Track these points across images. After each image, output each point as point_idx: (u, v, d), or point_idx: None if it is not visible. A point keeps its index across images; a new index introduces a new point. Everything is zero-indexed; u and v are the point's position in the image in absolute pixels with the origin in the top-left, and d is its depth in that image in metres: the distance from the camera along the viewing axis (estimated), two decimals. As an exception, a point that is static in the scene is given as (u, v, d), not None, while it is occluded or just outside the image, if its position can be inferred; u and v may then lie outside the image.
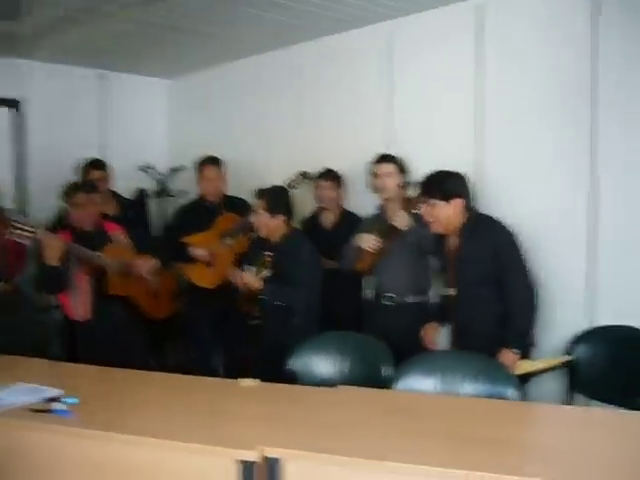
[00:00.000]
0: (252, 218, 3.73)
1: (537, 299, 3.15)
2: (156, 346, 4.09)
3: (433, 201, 3.16)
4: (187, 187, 5.49)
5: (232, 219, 4.34)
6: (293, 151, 4.75)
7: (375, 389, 2.74)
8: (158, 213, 5.51)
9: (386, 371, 2.95)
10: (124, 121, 5.49)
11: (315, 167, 4.42)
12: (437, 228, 3.23)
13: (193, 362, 4.48)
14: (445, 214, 3.17)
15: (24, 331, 3.50)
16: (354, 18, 4.12)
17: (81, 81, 5.29)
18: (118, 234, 3.78)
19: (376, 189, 3.79)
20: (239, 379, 2.77)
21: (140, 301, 3.79)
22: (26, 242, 3.38)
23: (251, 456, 2.03)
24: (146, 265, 3.80)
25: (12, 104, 4.95)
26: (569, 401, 3.33)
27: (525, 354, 3.15)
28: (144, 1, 3.71)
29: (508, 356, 3.07)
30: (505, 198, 3.64)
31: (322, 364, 3.13)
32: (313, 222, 4.37)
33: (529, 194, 3.65)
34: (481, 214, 3.32)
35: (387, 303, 3.76)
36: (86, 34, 4.30)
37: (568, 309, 3.48)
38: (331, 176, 4.27)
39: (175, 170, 5.57)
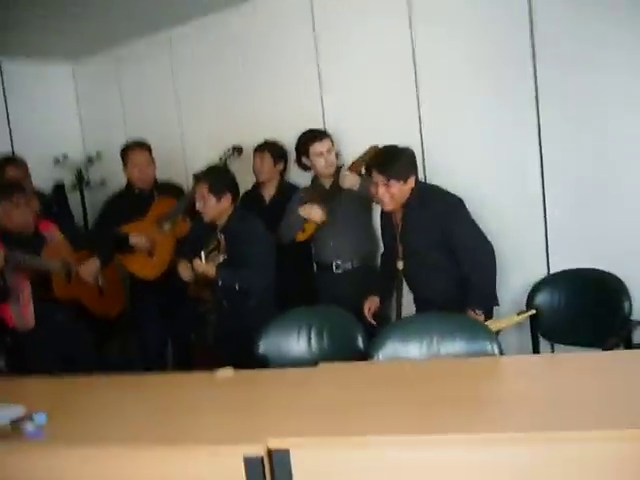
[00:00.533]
0: (197, 204, 3.50)
1: (494, 258, 3.17)
2: (105, 345, 3.87)
3: (391, 182, 3.10)
4: (106, 176, 5.26)
5: (167, 203, 4.13)
6: (224, 126, 4.51)
7: (357, 362, 2.68)
8: (78, 206, 5.20)
9: (361, 342, 2.89)
10: (31, 112, 5.08)
11: (251, 141, 4.25)
12: (388, 207, 3.19)
13: (143, 357, 4.28)
14: (401, 193, 3.15)
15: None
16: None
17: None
18: (53, 233, 3.49)
19: (320, 167, 3.74)
20: (215, 370, 2.62)
21: (87, 302, 3.53)
22: None
23: (258, 450, 1.91)
24: (88, 269, 3.55)
25: None
26: (535, 348, 3.39)
27: (489, 314, 3.16)
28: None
29: (472, 317, 3.06)
30: (449, 162, 3.62)
31: (293, 343, 3.04)
32: (252, 196, 4.19)
33: (475, 154, 3.61)
34: (424, 184, 3.35)
35: (336, 271, 3.73)
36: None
37: (526, 261, 3.49)
38: (268, 148, 4.08)
39: (91, 159, 5.27)
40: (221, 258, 3.33)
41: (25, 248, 3.22)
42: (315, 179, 3.87)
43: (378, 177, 3.11)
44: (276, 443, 1.93)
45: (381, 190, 3.11)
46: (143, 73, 4.97)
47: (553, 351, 3.42)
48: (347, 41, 3.96)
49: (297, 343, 3.03)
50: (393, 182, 3.09)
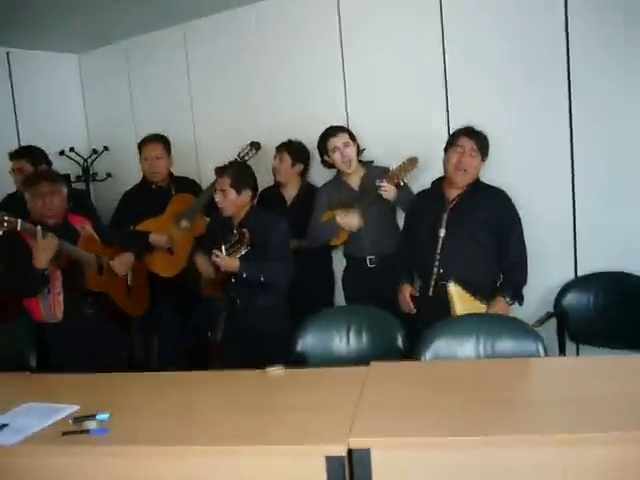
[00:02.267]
0: (216, 197, 3.46)
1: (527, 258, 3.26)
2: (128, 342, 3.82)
3: (478, 153, 3.20)
4: (113, 169, 5.19)
5: (186, 200, 4.08)
6: (240, 123, 4.46)
7: (408, 362, 2.70)
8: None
9: (401, 341, 2.91)
10: (36, 102, 4.97)
11: (268, 138, 4.23)
12: (463, 177, 3.23)
13: (160, 353, 4.24)
14: (477, 169, 3.25)
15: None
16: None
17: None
18: (85, 227, 3.42)
19: (338, 162, 3.75)
20: (267, 368, 2.60)
21: (117, 298, 3.47)
22: None
23: (340, 450, 1.91)
24: (123, 262, 3.48)
25: None
26: (562, 350, 3.44)
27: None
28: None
29: (502, 304, 3.18)
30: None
31: (331, 342, 3.03)
32: (273, 196, 4.15)
33: (505, 154, 3.63)
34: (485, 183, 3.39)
35: (371, 266, 3.76)
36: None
37: (553, 261, 3.55)
38: (287, 148, 4.04)
39: (97, 151, 5.18)
40: (243, 251, 3.27)
41: (60, 237, 3.14)
42: (338, 176, 3.86)
43: (469, 143, 3.19)
44: (357, 443, 1.94)
45: (467, 157, 3.18)
46: (155, 66, 4.89)
47: (578, 353, 3.48)
48: (373, 36, 3.97)
49: (336, 341, 3.03)
50: (479, 154, 3.21)
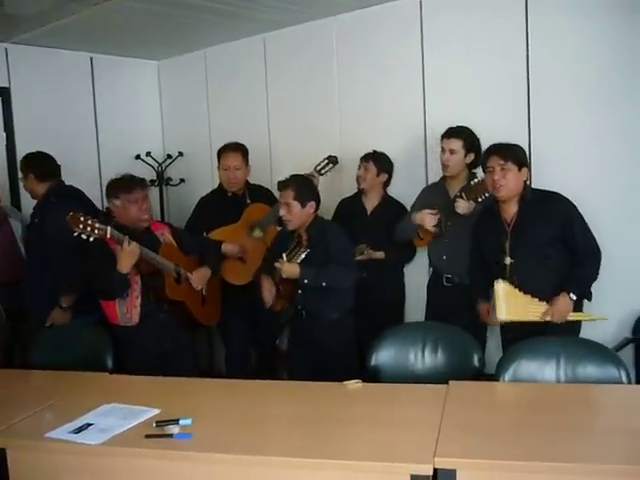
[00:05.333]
0: (281, 212, 3.45)
1: (599, 261, 3.14)
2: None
3: (508, 165, 3.11)
4: (185, 175, 5.28)
5: (261, 209, 4.11)
6: (314, 134, 4.50)
7: (487, 382, 2.66)
8: (157, 203, 5.22)
9: (477, 360, 2.87)
10: (115, 106, 5.10)
11: (344, 152, 4.26)
12: (502, 192, 3.15)
13: (230, 362, 4.28)
14: (515, 181, 3.14)
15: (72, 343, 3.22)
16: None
17: (71, 65, 4.87)
18: (164, 233, 3.49)
19: (441, 163, 3.71)
20: (344, 382, 2.60)
21: (192, 307, 3.51)
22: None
23: (426, 469, 1.90)
24: (200, 276, 3.53)
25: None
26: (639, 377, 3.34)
27: (579, 307, 3.17)
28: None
29: (565, 300, 3.08)
30: (557, 172, 3.55)
31: (407, 358, 3.00)
32: (354, 204, 4.15)
33: (581, 168, 3.58)
34: (538, 189, 3.29)
35: (447, 284, 3.73)
36: (78, 19, 3.95)
37: (633, 286, 3.45)
38: (374, 158, 4.01)
39: (171, 156, 5.28)
40: (303, 255, 3.27)
41: (142, 244, 3.20)
42: (441, 180, 3.82)
43: (495, 160, 3.11)
44: (443, 463, 1.92)
45: (497, 174, 3.10)
46: (233, 74, 4.95)
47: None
48: (455, 45, 3.93)
49: (411, 357, 3.00)
50: (510, 165, 3.10)
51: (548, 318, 3.06)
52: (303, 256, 3.29)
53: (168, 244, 3.44)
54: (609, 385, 2.54)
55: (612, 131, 3.51)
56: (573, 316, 3.12)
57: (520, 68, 3.72)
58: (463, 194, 3.48)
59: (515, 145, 3.20)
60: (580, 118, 3.58)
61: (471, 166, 3.67)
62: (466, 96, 3.88)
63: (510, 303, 3.11)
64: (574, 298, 3.09)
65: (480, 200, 3.41)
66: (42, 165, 3.88)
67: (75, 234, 2.97)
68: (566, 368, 2.65)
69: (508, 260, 3.20)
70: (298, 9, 4.17)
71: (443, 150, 3.67)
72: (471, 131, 3.65)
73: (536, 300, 3.12)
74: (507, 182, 3.12)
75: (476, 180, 3.45)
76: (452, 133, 3.65)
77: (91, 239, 3.01)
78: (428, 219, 3.60)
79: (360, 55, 4.32)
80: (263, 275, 3.52)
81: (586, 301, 3.20)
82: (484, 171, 3.24)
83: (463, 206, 3.49)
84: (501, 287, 3.13)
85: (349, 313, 3.50)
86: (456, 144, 3.62)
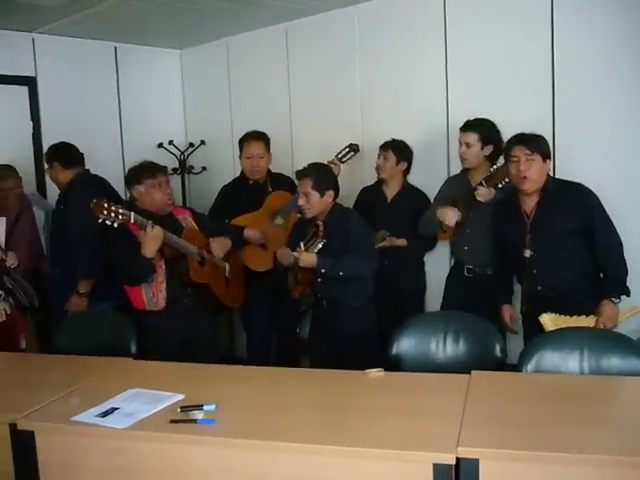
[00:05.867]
0: (300, 201, 3.46)
1: (623, 250, 3.13)
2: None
3: (534, 156, 3.09)
4: (207, 163, 5.31)
5: (283, 197, 4.14)
6: (335, 123, 4.51)
7: (510, 373, 2.65)
8: (179, 191, 5.26)
9: (499, 350, 2.87)
10: (139, 95, 5.15)
11: (365, 140, 4.26)
12: (527, 185, 3.14)
13: (252, 349, 4.31)
14: (539, 172, 3.13)
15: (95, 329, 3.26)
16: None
17: (95, 54, 4.92)
18: (186, 217, 3.52)
19: (460, 156, 3.71)
20: (366, 370, 2.61)
21: (216, 289, 3.55)
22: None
23: (449, 459, 1.90)
24: (220, 245, 3.55)
25: (27, 82, 4.56)
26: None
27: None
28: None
29: (610, 306, 3.07)
30: (580, 164, 3.52)
31: (429, 347, 3.00)
32: (374, 192, 4.16)
33: (602, 160, 3.55)
34: (555, 178, 3.30)
35: (468, 275, 3.71)
36: (102, 9, 3.97)
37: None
38: (393, 147, 4.01)
39: (193, 144, 5.31)
40: (320, 245, 3.27)
41: (165, 229, 3.23)
42: (463, 171, 3.81)
43: (521, 150, 3.08)
44: (466, 452, 1.92)
45: (523, 165, 3.08)
46: (255, 63, 4.97)
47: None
48: (479, 39, 3.91)
49: (432, 347, 3.00)
50: (536, 156, 3.08)
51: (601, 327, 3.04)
52: (320, 246, 3.29)
53: (190, 228, 3.47)
54: (633, 377, 2.52)
55: (633, 124, 3.48)
56: (623, 317, 3.11)
57: (545, 60, 3.68)
58: (483, 182, 3.46)
59: (540, 136, 3.18)
60: (602, 112, 3.55)
61: (491, 157, 3.63)
62: (490, 87, 3.87)
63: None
64: (617, 301, 3.09)
65: (500, 187, 3.38)
66: (67, 153, 3.94)
67: (99, 220, 3.00)
68: (590, 360, 2.63)
69: (528, 253, 3.18)
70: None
71: (460, 143, 3.66)
72: (490, 123, 3.63)
73: (583, 317, 3.08)
74: (532, 173, 3.10)
75: (495, 167, 3.43)
76: (469, 126, 3.63)
77: (115, 225, 3.04)
78: (451, 215, 3.58)
79: (382, 44, 4.31)
80: (279, 248, 3.53)
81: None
82: (506, 160, 3.22)
83: (483, 193, 3.47)
84: (547, 319, 3.06)
85: (370, 301, 3.51)
86: (472, 137, 3.60)
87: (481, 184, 3.47)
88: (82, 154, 3.99)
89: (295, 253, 3.31)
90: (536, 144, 3.11)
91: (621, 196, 3.37)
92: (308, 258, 3.30)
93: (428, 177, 4.06)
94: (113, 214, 3.01)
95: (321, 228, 3.28)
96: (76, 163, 3.92)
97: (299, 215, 3.86)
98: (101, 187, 3.91)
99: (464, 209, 3.57)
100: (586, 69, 3.58)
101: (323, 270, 3.32)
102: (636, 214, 3.44)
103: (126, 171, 3.54)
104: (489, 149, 3.61)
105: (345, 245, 3.34)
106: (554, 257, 3.15)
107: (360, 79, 4.44)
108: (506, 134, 3.48)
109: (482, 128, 3.60)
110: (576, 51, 3.60)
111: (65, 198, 3.87)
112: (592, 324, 3.05)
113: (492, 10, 3.83)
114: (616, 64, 3.48)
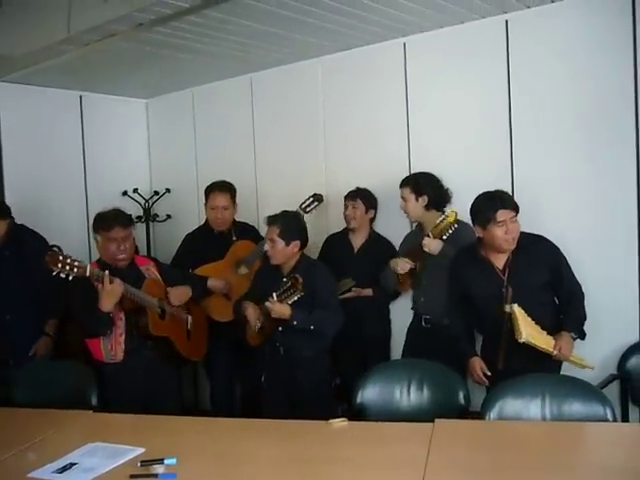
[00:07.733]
0: (265, 246, 3.51)
1: (583, 298, 3.23)
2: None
3: (516, 217, 3.15)
4: (172, 211, 5.31)
5: (247, 246, 4.15)
6: (300, 172, 4.57)
7: (474, 421, 2.66)
8: (143, 239, 5.23)
9: (462, 398, 2.88)
10: (103, 143, 5.14)
11: (329, 189, 4.32)
12: (514, 246, 3.18)
13: (215, 399, 4.25)
14: (519, 230, 3.19)
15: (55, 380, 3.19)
16: (370, 34, 3.99)
17: (60, 103, 4.91)
18: (150, 269, 3.49)
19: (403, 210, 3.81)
20: (330, 420, 2.59)
21: (177, 343, 3.50)
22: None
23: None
24: (178, 294, 3.51)
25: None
26: (625, 415, 3.36)
27: None
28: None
29: (567, 338, 3.12)
30: (542, 215, 3.59)
31: (393, 395, 3.00)
32: (340, 241, 4.20)
33: (560, 211, 3.63)
34: (524, 232, 3.29)
35: (425, 325, 3.75)
36: (68, 58, 3.99)
37: (617, 324, 3.47)
38: (360, 195, 4.07)
39: (158, 193, 5.31)
40: (296, 297, 3.29)
41: (125, 281, 3.19)
42: (419, 225, 3.87)
43: (507, 214, 3.11)
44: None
45: (511, 227, 3.12)
46: (220, 112, 5.03)
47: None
48: (439, 90, 4.01)
49: (396, 395, 3.00)
50: (516, 216, 3.15)
51: (556, 352, 3.07)
52: (295, 298, 3.31)
53: (152, 279, 3.44)
54: (594, 423, 2.54)
55: (590, 175, 3.57)
56: (573, 358, 3.17)
57: (502, 115, 3.79)
58: (430, 233, 3.51)
59: (507, 193, 3.26)
60: (559, 166, 3.64)
61: (436, 208, 3.70)
62: (450, 138, 3.97)
63: (528, 324, 3.09)
64: (575, 337, 3.16)
65: (445, 238, 3.43)
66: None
67: (54, 273, 2.95)
68: (551, 406, 2.65)
69: (508, 308, 3.14)
70: (284, 50, 4.24)
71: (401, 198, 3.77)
72: (424, 175, 3.74)
73: (544, 332, 3.13)
74: (517, 234, 3.16)
75: (441, 218, 3.46)
76: (402, 182, 3.77)
77: (70, 278, 3.00)
78: (401, 265, 3.63)
79: (345, 95, 4.40)
80: (249, 304, 3.52)
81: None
82: (485, 225, 3.15)
83: (429, 244, 3.51)
84: (517, 309, 3.09)
85: (324, 353, 3.55)
86: (406, 192, 3.73)
87: (428, 235, 3.52)
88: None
89: (268, 303, 3.32)
90: (515, 204, 3.16)
91: (578, 246, 3.44)
92: (282, 309, 3.32)
93: (392, 226, 4.11)
94: (68, 267, 2.97)
95: (300, 281, 3.29)
96: (7, 214, 3.88)
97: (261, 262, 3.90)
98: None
99: (419, 261, 3.61)
100: (542, 123, 3.68)
101: (295, 322, 3.34)
102: (596, 264, 3.50)
103: (90, 219, 3.52)
104: (424, 200, 3.69)
105: (312, 300, 3.37)
106: (533, 311, 3.15)
107: (324, 129, 4.51)
108: (466, 186, 3.55)
109: (412, 181, 3.73)
110: (533, 108, 3.70)
111: (8, 246, 3.80)
112: (551, 342, 3.10)
113: (451, 65, 3.95)
114: (571, 121, 3.59)
